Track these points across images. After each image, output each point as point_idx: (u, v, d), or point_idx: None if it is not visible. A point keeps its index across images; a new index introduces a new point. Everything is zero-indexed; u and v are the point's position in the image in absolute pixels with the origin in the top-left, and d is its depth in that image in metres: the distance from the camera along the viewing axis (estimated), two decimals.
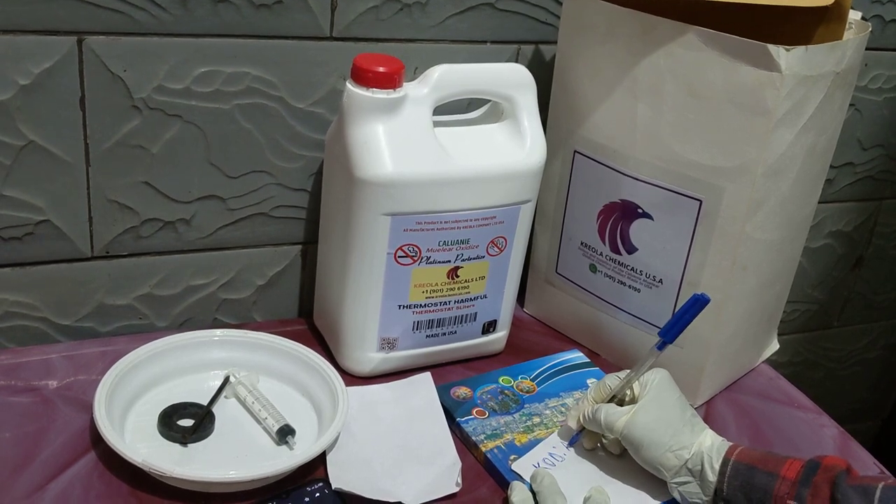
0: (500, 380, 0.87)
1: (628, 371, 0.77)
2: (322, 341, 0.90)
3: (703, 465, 0.71)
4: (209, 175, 0.86)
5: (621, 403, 0.77)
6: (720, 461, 0.70)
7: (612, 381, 0.78)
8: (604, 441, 0.78)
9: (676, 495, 0.73)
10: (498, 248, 0.85)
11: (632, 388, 0.77)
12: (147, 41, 0.78)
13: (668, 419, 0.73)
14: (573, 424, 0.78)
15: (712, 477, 0.70)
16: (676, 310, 0.85)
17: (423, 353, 0.87)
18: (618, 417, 0.74)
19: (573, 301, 0.95)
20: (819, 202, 0.92)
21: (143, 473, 0.69)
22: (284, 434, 0.75)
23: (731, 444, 0.72)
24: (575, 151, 0.88)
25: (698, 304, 0.72)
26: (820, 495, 0.65)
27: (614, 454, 0.78)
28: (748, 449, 0.71)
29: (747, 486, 0.68)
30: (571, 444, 0.79)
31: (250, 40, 0.81)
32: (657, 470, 0.73)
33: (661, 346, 0.75)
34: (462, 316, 0.87)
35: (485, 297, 0.87)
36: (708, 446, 0.72)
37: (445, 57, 0.89)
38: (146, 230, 0.86)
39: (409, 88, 0.77)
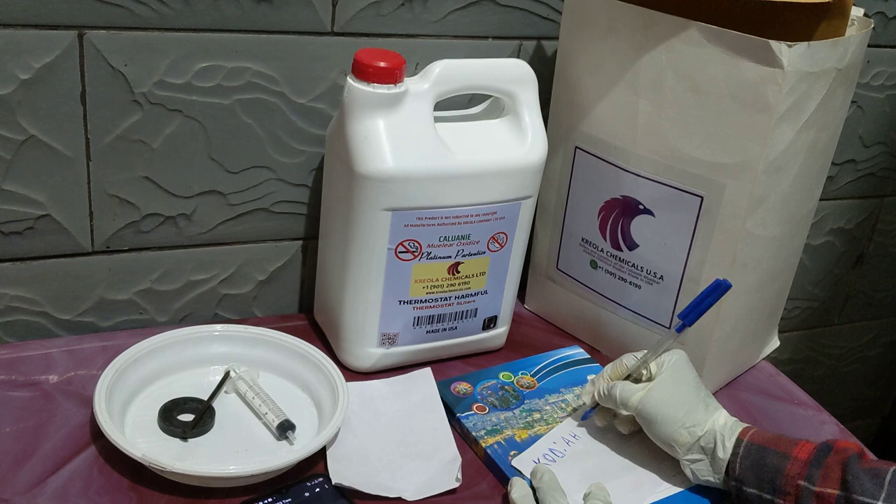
0: (501, 375, 0.87)
1: (645, 351, 0.77)
2: (322, 337, 0.90)
3: (715, 442, 0.71)
4: (210, 170, 0.86)
5: (636, 381, 0.78)
6: (733, 441, 0.71)
7: (630, 360, 0.78)
8: (615, 419, 0.78)
9: (688, 472, 0.73)
10: (499, 243, 0.85)
11: (648, 368, 0.77)
12: (148, 36, 0.78)
13: (683, 397, 0.73)
14: (587, 400, 0.79)
15: (723, 455, 0.71)
16: (677, 305, 0.85)
17: (423, 349, 0.87)
18: (633, 393, 0.74)
19: (574, 297, 0.95)
20: (820, 199, 0.92)
21: (143, 468, 0.69)
22: (284, 429, 0.75)
23: (744, 425, 0.73)
24: (576, 147, 0.88)
25: (720, 289, 0.73)
26: (831, 476, 0.65)
27: (624, 433, 0.78)
28: (761, 431, 0.72)
29: (759, 466, 0.69)
30: (584, 419, 0.80)
31: (251, 35, 0.81)
32: (670, 446, 0.73)
33: (680, 329, 0.76)
34: (462, 312, 0.87)
35: (485, 292, 0.87)
36: (721, 425, 0.72)
37: (447, 52, 0.89)
38: (147, 225, 0.86)
39: (410, 84, 0.77)
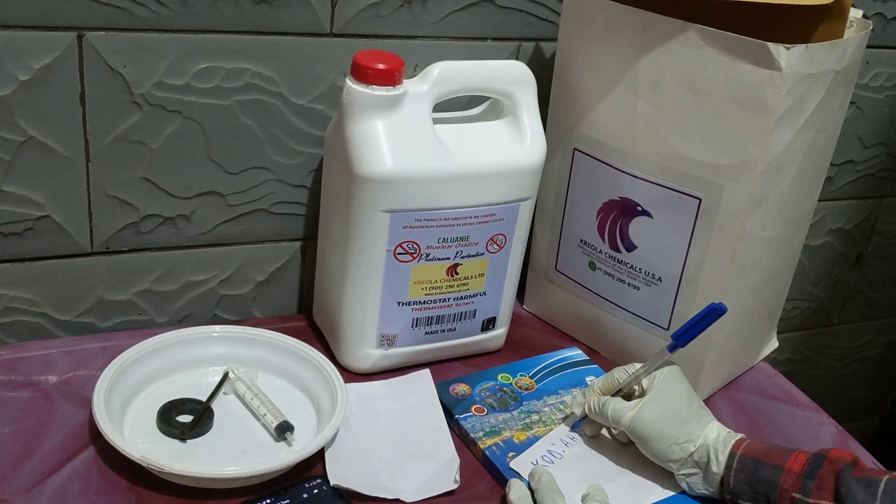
0: (499, 377, 0.87)
1: (637, 366, 0.77)
2: (321, 338, 0.90)
3: (708, 457, 0.72)
4: (209, 171, 0.86)
5: (628, 396, 0.78)
6: (726, 454, 0.71)
7: (621, 374, 0.78)
8: (612, 430, 0.79)
9: (684, 486, 0.73)
10: (497, 245, 0.85)
11: (640, 385, 0.77)
12: (147, 37, 0.78)
13: (675, 413, 0.73)
14: (577, 411, 0.79)
15: (717, 469, 0.71)
16: (675, 306, 0.85)
17: (422, 350, 0.87)
18: (624, 412, 0.74)
19: (572, 298, 0.95)
20: (819, 200, 0.92)
21: (141, 469, 0.69)
22: (283, 430, 0.75)
23: (738, 436, 0.73)
24: (575, 149, 0.88)
25: (714, 313, 0.73)
26: (825, 488, 0.65)
27: (623, 442, 0.78)
28: (755, 442, 0.72)
29: (753, 479, 0.69)
30: (573, 429, 0.80)
31: (250, 36, 0.81)
32: (664, 462, 0.73)
33: (672, 349, 0.75)
34: (461, 313, 0.87)
35: (484, 294, 0.87)
36: (714, 438, 0.72)
37: (446, 53, 0.89)
38: (146, 226, 0.86)
39: (409, 85, 0.77)
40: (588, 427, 0.79)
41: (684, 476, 0.73)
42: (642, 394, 0.76)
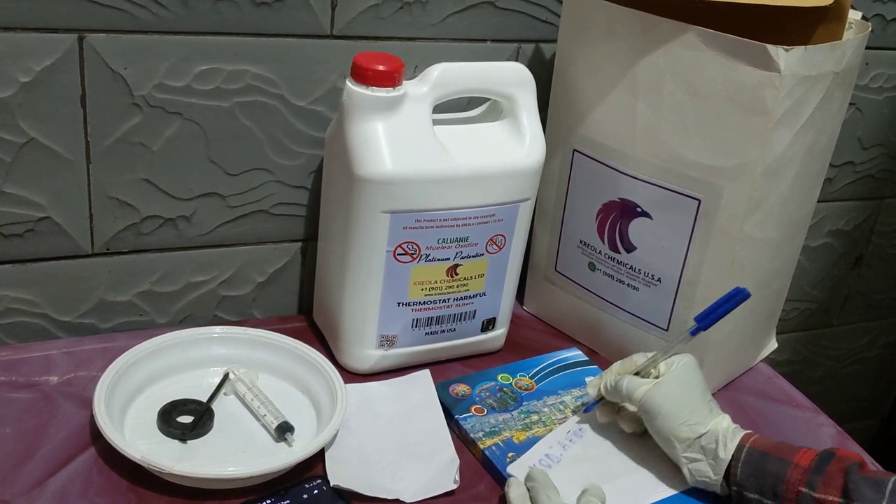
0: (499, 377, 0.87)
1: (655, 351, 0.78)
2: (321, 338, 0.91)
3: (717, 444, 0.72)
4: (209, 172, 0.86)
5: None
6: (735, 444, 0.71)
7: (639, 358, 0.79)
8: (618, 415, 0.79)
9: (686, 472, 0.73)
10: (497, 245, 0.85)
11: (657, 368, 0.77)
12: (148, 39, 0.78)
13: (689, 396, 0.74)
14: (592, 392, 0.80)
15: (724, 455, 0.71)
16: (675, 308, 0.85)
17: (422, 351, 0.87)
18: (639, 386, 0.75)
19: (572, 299, 0.95)
20: (819, 201, 0.92)
21: (142, 470, 0.69)
22: (283, 431, 0.75)
23: (745, 431, 0.73)
24: (574, 150, 0.88)
25: (739, 296, 0.73)
26: (832, 484, 0.66)
27: (626, 431, 0.78)
28: (763, 438, 0.72)
29: (760, 472, 0.69)
30: (587, 411, 0.81)
31: (251, 38, 0.81)
32: (669, 442, 0.73)
33: (694, 332, 0.76)
34: (461, 313, 0.87)
35: (484, 294, 0.87)
36: (724, 428, 0.73)
37: (445, 55, 0.89)
38: (147, 227, 0.86)
39: (409, 87, 0.78)
40: (601, 413, 0.80)
41: (687, 460, 0.73)
42: (658, 377, 0.76)
